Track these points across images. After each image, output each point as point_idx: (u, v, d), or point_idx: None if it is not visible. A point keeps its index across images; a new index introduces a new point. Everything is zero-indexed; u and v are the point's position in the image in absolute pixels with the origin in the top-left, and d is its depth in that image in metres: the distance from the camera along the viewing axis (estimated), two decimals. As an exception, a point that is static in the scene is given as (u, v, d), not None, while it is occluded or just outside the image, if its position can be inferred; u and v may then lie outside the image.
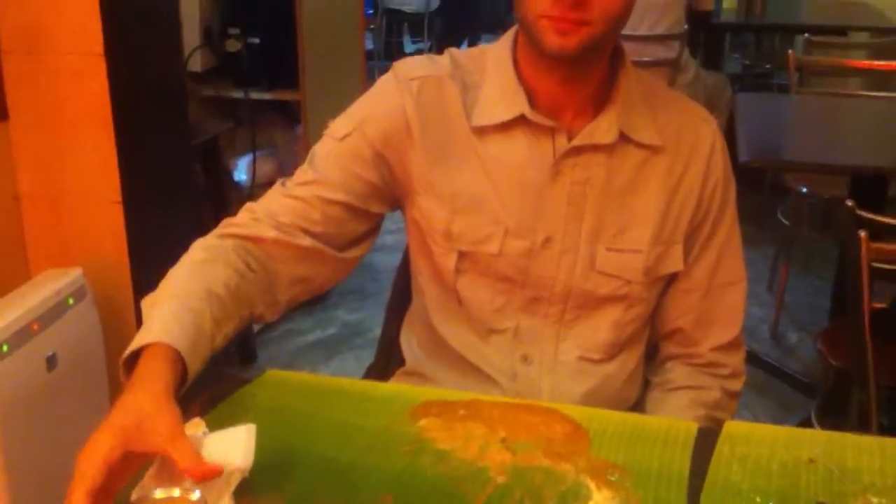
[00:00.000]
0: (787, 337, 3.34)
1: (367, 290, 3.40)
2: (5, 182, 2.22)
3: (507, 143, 1.28)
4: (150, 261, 2.32)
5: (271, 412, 1.14)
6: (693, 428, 1.13)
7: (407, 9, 6.62)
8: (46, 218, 2.26)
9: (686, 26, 3.86)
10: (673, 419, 1.22)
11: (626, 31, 3.48)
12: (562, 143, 1.27)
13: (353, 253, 1.34)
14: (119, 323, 2.30)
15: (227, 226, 1.27)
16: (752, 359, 3.03)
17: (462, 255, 1.31)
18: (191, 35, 3.21)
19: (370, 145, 1.29)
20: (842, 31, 4.40)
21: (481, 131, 1.28)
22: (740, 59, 6.00)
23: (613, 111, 1.27)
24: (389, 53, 6.99)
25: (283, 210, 1.28)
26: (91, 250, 2.24)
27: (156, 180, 2.36)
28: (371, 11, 6.66)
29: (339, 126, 1.32)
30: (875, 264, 1.76)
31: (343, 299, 3.47)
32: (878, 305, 1.73)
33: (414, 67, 1.32)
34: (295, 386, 1.23)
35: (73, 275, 2.11)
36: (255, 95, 3.28)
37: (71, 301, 2.08)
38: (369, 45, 6.48)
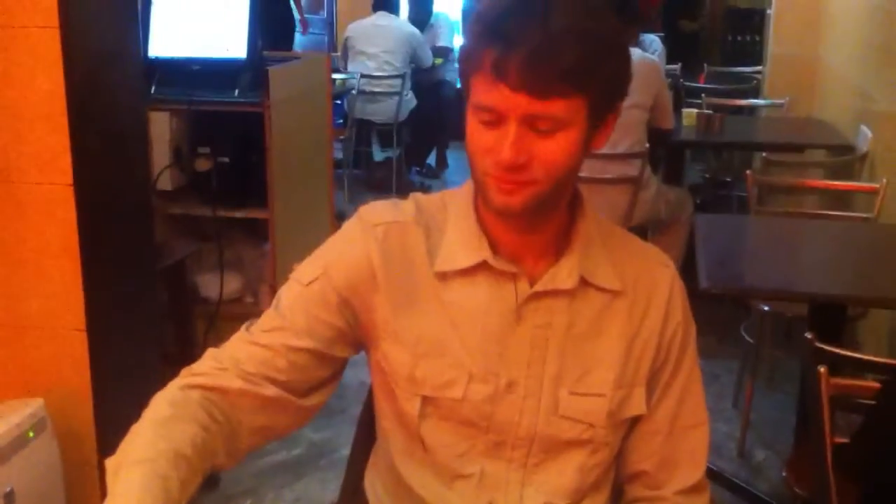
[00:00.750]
0: (753, 455, 3.33)
1: (335, 407, 3.36)
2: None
3: (469, 289, 1.30)
4: (113, 391, 2.30)
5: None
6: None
7: (376, 119, 6.73)
8: (9, 346, 2.24)
9: (647, 145, 3.96)
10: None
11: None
12: (524, 288, 1.29)
13: (315, 399, 1.34)
14: (79, 456, 2.27)
15: (191, 375, 1.27)
16: (719, 478, 3.02)
17: (426, 401, 1.31)
18: (161, 154, 3.24)
19: (336, 291, 1.30)
20: (799, 148, 4.53)
21: (444, 276, 1.30)
22: (701, 171, 6.16)
23: (573, 256, 1.30)
24: (358, 162, 7.08)
25: (248, 358, 1.28)
26: (53, 380, 2.22)
27: (121, 307, 2.35)
28: (341, 121, 6.77)
29: (305, 271, 1.34)
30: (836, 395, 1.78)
31: (308, 417, 3.41)
32: (840, 440, 1.73)
33: (379, 213, 1.35)
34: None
35: (34, 406, 2.08)
36: (223, 213, 3.30)
37: (31, 434, 2.05)
38: (339, 154, 6.59)
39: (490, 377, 1.29)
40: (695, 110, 4.68)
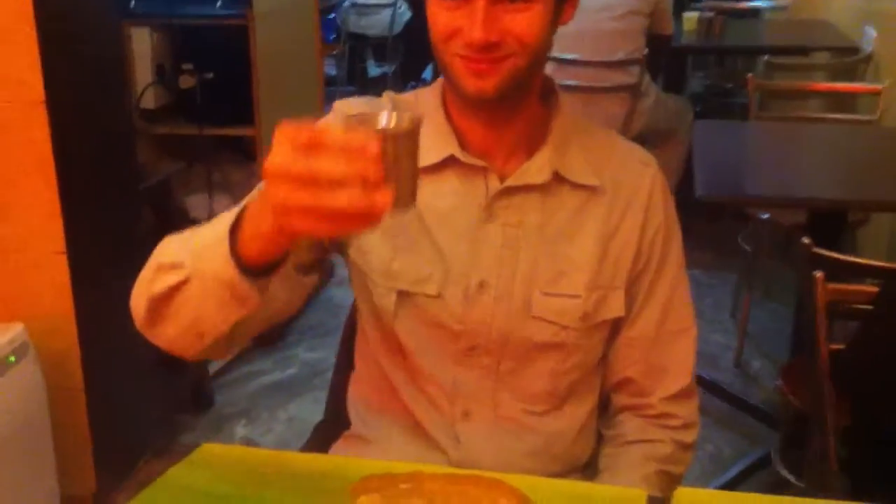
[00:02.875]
0: (750, 365, 3.31)
1: (328, 326, 3.34)
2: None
3: (438, 186, 1.26)
4: (96, 315, 2.26)
5: (205, 498, 1.09)
6: (642, 497, 1.10)
7: (370, 33, 6.58)
8: (-8, 269, 2.19)
9: (646, 51, 3.84)
10: (621, 488, 1.18)
11: (584, 58, 3.47)
12: (494, 183, 1.25)
13: (310, 278, 1.25)
14: (64, 381, 2.24)
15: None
16: (715, 389, 3.00)
17: (401, 296, 1.28)
18: (143, 73, 3.17)
19: None
20: (803, 51, 4.41)
21: None
22: (703, 78, 6.02)
23: (546, 151, 1.26)
24: (353, 78, 6.95)
25: None
26: (34, 304, 2.18)
27: (102, 229, 2.30)
28: (333, 37, 6.63)
29: None
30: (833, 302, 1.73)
31: (303, 337, 3.41)
32: (835, 347, 1.69)
33: (354, 105, 1.30)
34: (230, 465, 1.18)
35: (15, 331, 2.04)
36: (209, 132, 3.23)
37: (12, 359, 2.01)
38: (332, 70, 6.45)
39: (461, 277, 1.26)
40: (696, 14, 4.53)
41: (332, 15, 6.50)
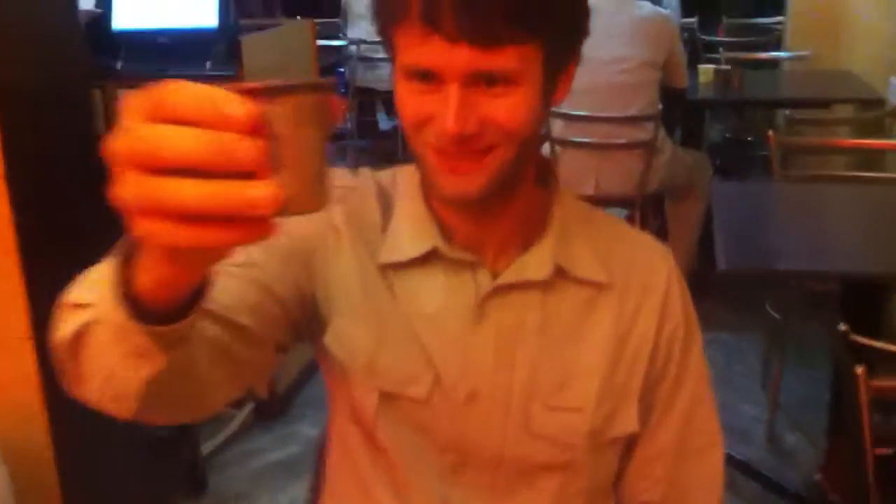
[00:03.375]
0: (784, 440, 3.08)
1: (331, 400, 3.15)
2: None
3: (422, 283, 1.09)
4: (69, 403, 2.07)
5: None
6: None
7: (380, 87, 6.45)
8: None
9: (660, 106, 3.68)
10: None
11: (596, 113, 3.31)
12: (484, 280, 1.08)
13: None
14: (36, 480, 2.04)
15: None
16: (746, 470, 2.77)
17: (384, 397, 1.09)
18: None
19: (294, 241, 1.07)
20: (825, 103, 4.23)
21: (393, 268, 1.09)
22: (722, 131, 5.84)
23: (547, 242, 1.08)
24: (364, 133, 6.83)
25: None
26: (1, 393, 2.00)
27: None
28: (343, 90, 6.51)
29: None
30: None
31: (306, 410, 3.21)
32: (882, 451, 1.49)
33: (336, 176, 1.13)
34: None
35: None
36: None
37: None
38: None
39: (448, 386, 1.08)
40: (712, 66, 4.38)
41: (342, 69, 6.38)
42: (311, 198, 0.60)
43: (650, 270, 1.14)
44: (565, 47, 0.99)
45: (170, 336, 0.71)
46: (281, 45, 3.30)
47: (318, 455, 1.37)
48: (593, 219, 1.16)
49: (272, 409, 3.15)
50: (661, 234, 4.20)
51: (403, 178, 1.14)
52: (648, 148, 3.67)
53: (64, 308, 0.80)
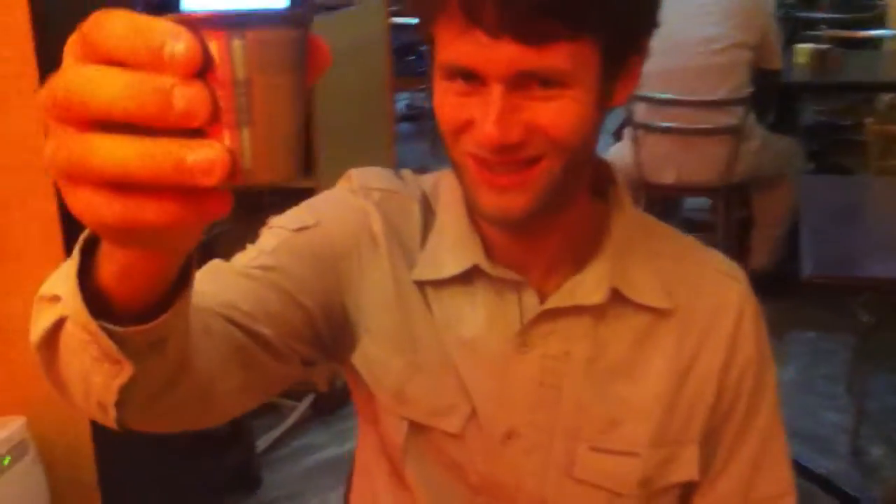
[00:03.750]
0: (868, 452, 2.89)
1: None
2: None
3: (461, 304, 0.98)
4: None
5: None
6: None
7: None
8: (-6, 347, 1.99)
9: (751, 89, 3.47)
10: None
11: (681, 97, 3.13)
12: (531, 303, 0.96)
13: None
14: (75, 479, 2.00)
15: None
16: (826, 485, 2.60)
17: (414, 428, 0.99)
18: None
19: (330, 245, 0.97)
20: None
21: (433, 285, 0.98)
22: (817, 113, 5.54)
23: (603, 262, 0.96)
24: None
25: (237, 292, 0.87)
26: (38, 394, 1.96)
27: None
28: (422, 71, 6.39)
29: (291, 218, 0.99)
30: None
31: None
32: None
33: (375, 177, 1.04)
34: None
35: (13, 427, 1.82)
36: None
37: (7, 460, 1.79)
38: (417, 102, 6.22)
39: (485, 420, 0.97)
40: (809, 45, 4.12)
41: (422, 48, 6.27)
42: (278, 164, 0.46)
43: (719, 296, 1.01)
44: (626, 43, 0.87)
45: (137, 340, 0.58)
46: (354, 25, 3.21)
47: (347, 482, 1.28)
48: (657, 235, 1.04)
49: (331, 403, 3.06)
50: (747, 225, 4.01)
51: (446, 186, 1.02)
52: (735, 134, 3.48)
53: (39, 301, 0.67)
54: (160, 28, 0.43)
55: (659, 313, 0.98)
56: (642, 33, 0.88)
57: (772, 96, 4.03)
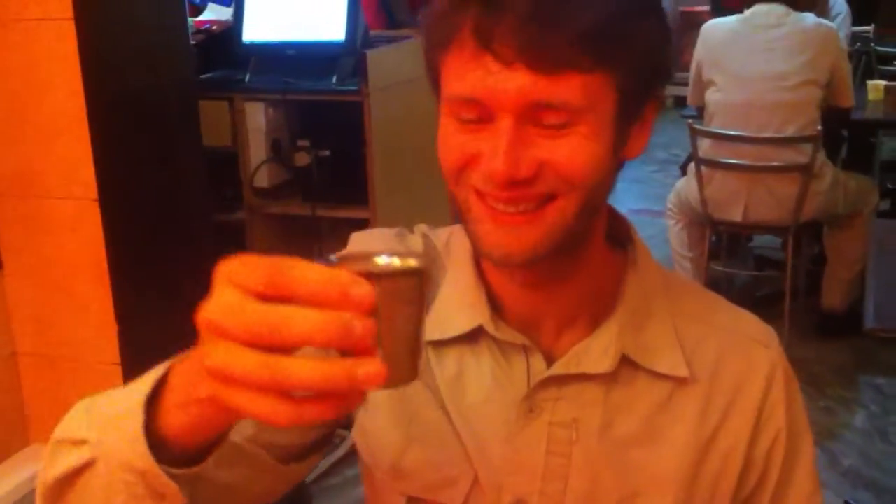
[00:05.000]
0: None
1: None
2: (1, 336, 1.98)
3: (465, 365, 0.92)
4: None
5: None
6: None
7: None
8: (44, 378, 2.01)
9: (820, 127, 3.37)
10: None
11: (749, 133, 3.04)
12: (539, 367, 0.90)
13: (301, 467, 0.94)
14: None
15: None
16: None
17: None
18: (257, 148, 3.01)
19: None
20: None
21: (436, 345, 0.93)
22: (893, 150, 5.36)
23: (614, 326, 0.90)
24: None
25: None
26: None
27: (165, 336, 2.07)
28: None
29: None
30: None
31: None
32: None
33: (371, 243, 0.99)
34: None
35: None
36: (322, 212, 3.01)
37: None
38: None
39: (490, 490, 0.91)
40: (882, 82, 3.99)
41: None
42: (406, 372, 0.61)
43: (747, 363, 0.94)
44: (641, 84, 0.82)
45: (193, 475, 0.68)
46: (409, 57, 3.20)
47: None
48: (680, 295, 0.96)
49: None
50: (818, 262, 3.88)
51: (458, 239, 0.97)
52: (805, 172, 3.37)
53: (59, 444, 0.74)
54: (347, 278, 0.55)
55: (678, 381, 0.92)
56: (658, 78, 0.84)
57: (843, 134, 3.91)
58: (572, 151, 0.79)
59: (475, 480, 0.91)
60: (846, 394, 3.37)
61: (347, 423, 0.98)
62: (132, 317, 1.94)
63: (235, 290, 0.56)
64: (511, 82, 0.76)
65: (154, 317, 2.03)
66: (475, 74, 0.77)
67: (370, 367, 0.55)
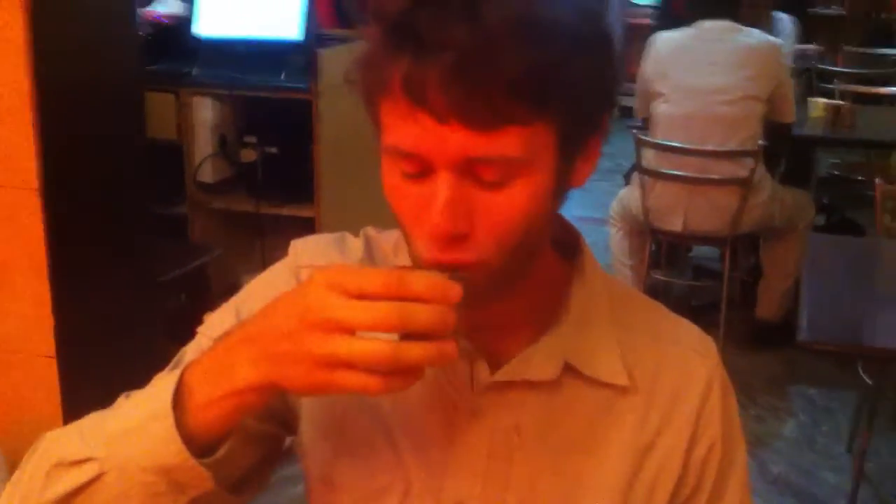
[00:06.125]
0: (867, 517, 2.82)
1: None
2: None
3: None
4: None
5: None
6: None
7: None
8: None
9: (761, 141, 3.44)
10: None
11: (692, 145, 3.07)
12: (483, 373, 0.90)
13: (247, 494, 0.92)
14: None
15: None
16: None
17: None
18: (203, 143, 2.98)
19: None
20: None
21: None
22: (831, 167, 5.49)
23: (559, 334, 0.90)
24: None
25: None
26: (16, 414, 1.93)
27: (103, 328, 2.04)
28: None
29: (215, 321, 0.95)
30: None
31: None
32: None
33: (312, 250, 0.98)
34: None
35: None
36: (266, 210, 2.99)
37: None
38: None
39: (429, 494, 0.91)
40: (822, 100, 4.09)
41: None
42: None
43: (686, 372, 0.95)
44: (583, 124, 0.81)
45: (213, 463, 0.78)
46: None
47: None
48: (624, 305, 0.97)
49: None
50: (755, 274, 3.96)
51: (404, 245, 0.97)
52: (744, 185, 3.43)
53: (55, 467, 0.80)
54: (439, 281, 0.72)
55: (618, 389, 0.92)
56: (601, 110, 0.83)
57: (783, 149, 4.00)
58: (510, 209, 0.78)
59: (409, 487, 0.91)
60: (777, 403, 3.45)
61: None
62: (68, 309, 1.90)
63: (343, 293, 0.69)
64: (447, 139, 0.74)
65: (90, 310, 2.01)
66: (411, 129, 0.75)
67: (453, 348, 0.71)
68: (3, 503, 0.84)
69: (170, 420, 0.75)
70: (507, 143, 0.75)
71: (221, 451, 0.79)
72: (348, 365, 0.70)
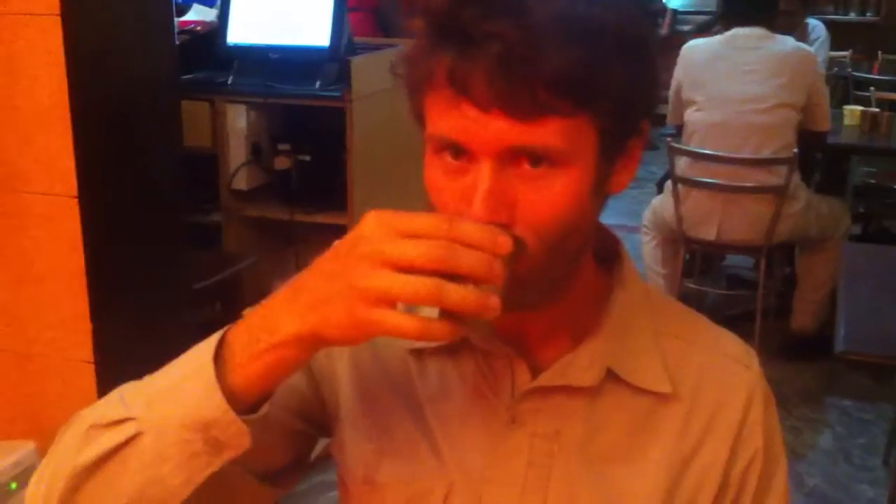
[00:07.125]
0: (904, 532, 2.78)
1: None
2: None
3: (447, 374, 0.93)
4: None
5: None
6: None
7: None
8: (15, 375, 1.99)
9: (795, 150, 3.41)
10: None
11: (725, 153, 3.06)
12: (523, 378, 0.90)
13: (277, 489, 0.96)
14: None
15: None
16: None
17: None
18: (237, 151, 3.00)
19: None
20: None
21: (418, 354, 0.94)
22: (870, 173, 5.43)
23: (601, 340, 0.90)
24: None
25: None
26: (54, 419, 1.95)
27: (140, 334, 2.06)
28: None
29: None
30: None
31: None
32: None
33: None
34: None
35: (22, 451, 1.80)
36: (300, 217, 3.01)
37: (14, 486, 1.77)
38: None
39: (468, 501, 0.91)
40: (858, 108, 4.05)
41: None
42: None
43: (728, 383, 0.95)
44: (624, 122, 0.82)
45: (255, 422, 0.78)
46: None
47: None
48: (664, 314, 0.97)
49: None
50: (789, 284, 3.92)
51: None
52: (779, 194, 3.41)
53: (91, 428, 0.80)
54: (490, 229, 0.73)
55: (660, 397, 0.92)
56: (642, 113, 0.84)
57: (818, 157, 3.96)
58: (550, 201, 0.79)
59: (450, 492, 0.91)
60: (813, 414, 3.41)
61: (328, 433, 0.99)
62: (106, 315, 1.92)
63: (394, 231, 0.70)
64: (489, 128, 0.76)
65: (128, 315, 2.03)
66: (454, 120, 0.77)
67: (496, 303, 0.70)
68: (39, 471, 0.84)
69: (210, 373, 0.75)
70: (547, 132, 0.76)
71: (262, 411, 0.78)
72: (390, 302, 0.69)
